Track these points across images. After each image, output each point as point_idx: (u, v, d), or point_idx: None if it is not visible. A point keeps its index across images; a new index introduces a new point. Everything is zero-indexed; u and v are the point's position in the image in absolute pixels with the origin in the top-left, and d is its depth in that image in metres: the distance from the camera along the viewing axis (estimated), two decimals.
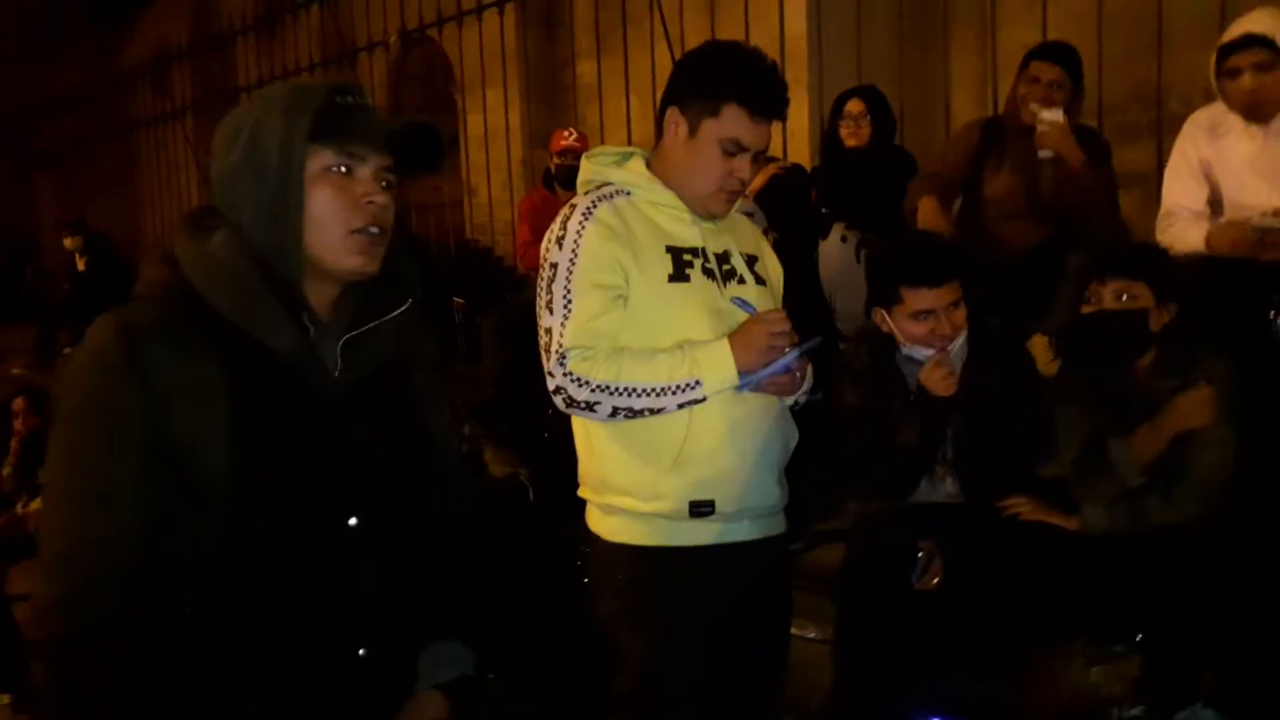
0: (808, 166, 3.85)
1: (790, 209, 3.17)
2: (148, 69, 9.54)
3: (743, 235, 1.94)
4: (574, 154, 4.14)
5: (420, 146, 1.27)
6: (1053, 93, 2.96)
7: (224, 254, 1.18)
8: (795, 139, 4.26)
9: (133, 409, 1.12)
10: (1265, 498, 2.18)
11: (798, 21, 4.62)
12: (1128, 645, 2.20)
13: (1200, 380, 2.17)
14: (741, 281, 1.85)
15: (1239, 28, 2.66)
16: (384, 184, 1.23)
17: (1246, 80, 2.61)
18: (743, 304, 1.81)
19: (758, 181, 3.31)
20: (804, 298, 1.89)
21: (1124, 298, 2.22)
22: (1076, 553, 2.17)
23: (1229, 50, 2.65)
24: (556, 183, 4.26)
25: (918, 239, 2.72)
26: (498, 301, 4.41)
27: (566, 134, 4.38)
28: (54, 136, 10.48)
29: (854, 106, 3.56)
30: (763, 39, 4.04)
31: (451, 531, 1.34)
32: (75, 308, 6.11)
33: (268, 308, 1.18)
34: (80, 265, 6.23)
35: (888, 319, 2.32)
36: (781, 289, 1.97)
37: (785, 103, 1.81)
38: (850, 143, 3.57)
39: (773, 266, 1.97)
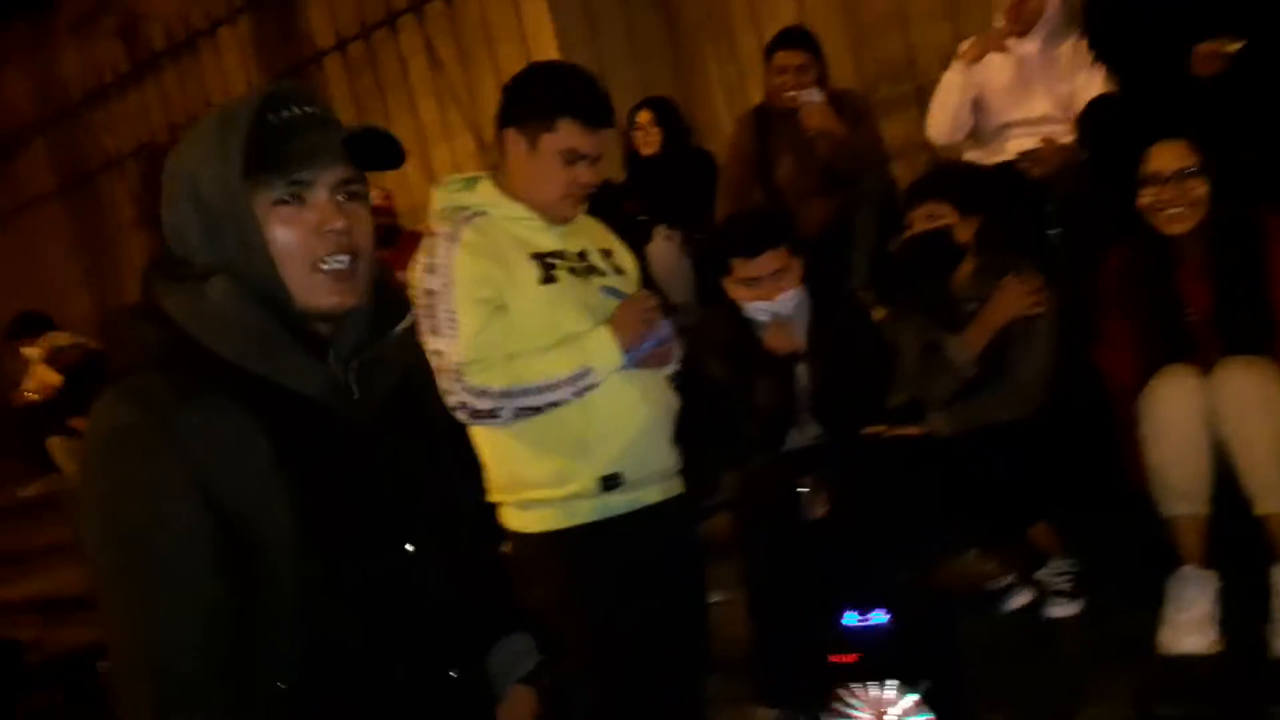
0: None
1: (609, 222, 3.46)
2: None
3: (595, 233, 2.20)
4: (386, 212, 4.27)
5: (376, 146, 1.18)
6: (801, 77, 3.36)
7: (229, 303, 1.11)
8: None
9: (184, 484, 1.04)
10: (1076, 385, 2.59)
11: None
12: (992, 533, 2.59)
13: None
14: (604, 274, 2.11)
15: None
16: (347, 196, 1.15)
17: None
18: (611, 292, 2.07)
19: None
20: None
21: (931, 218, 2.59)
22: (936, 458, 2.54)
23: None
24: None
25: (741, 216, 3.10)
26: None
27: (374, 194, 4.51)
28: None
29: (643, 117, 3.93)
30: None
31: (479, 524, 1.42)
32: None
33: (293, 353, 1.13)
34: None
35: (729, 287, 2.66)
36: (638, 275, 2.25)
37: (612, 110, 2.08)
38: (645, 151, 3.92)
39: (627, 257, 2.24)
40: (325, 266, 1.13)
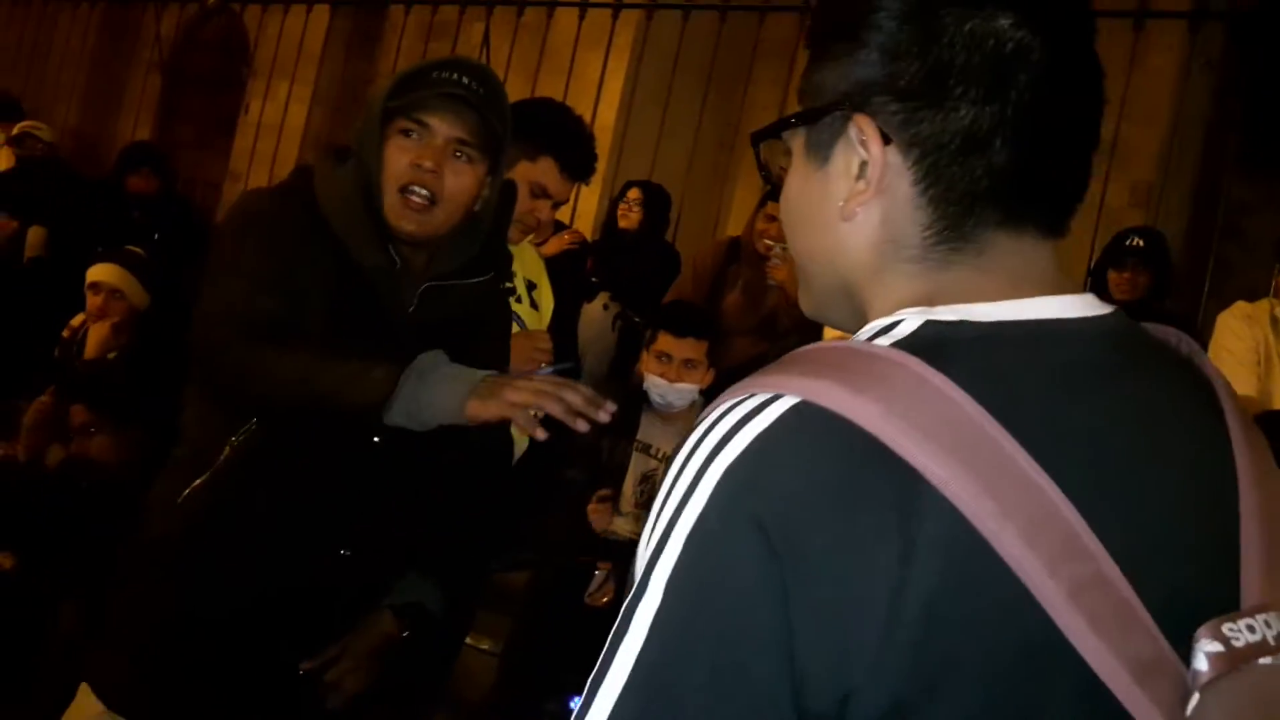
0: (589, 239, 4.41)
1: (569, 272, 3.68)
2: None
3: (529, 263, 2.38)
4: None
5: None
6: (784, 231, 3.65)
7: (346, 180, 1.48)
8: (583, 218, 4.82)
9: (282, 232, 1.44)
10: None
11: (609, 114, 5.25)
12: None
13: None
14: (519, 300, 2.29)
15: None
16: (458, 155, 1.47)
17: None
18: (515, 319, 2.25)
19: (554, 247, 3.81)
20: (561, 345, 2.34)
21: None
22: None
23: None
24: None
25: (686, 302, 3.47)
26: None
27: None
28: None
29: (633, 193, 4.19)
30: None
31: (471, 477, 1.57)
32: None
33: (364, 230, 1.45)
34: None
35: (644, 357, 2.92)
36: (550, 318, 2.43)
37: (593, 171, 2.27)
38: (622, 224, 4.17)
39: (547, 297, 2.42)
40: (406, 193, 1.44)
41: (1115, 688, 0.53)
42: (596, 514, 2.79)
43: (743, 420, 0.56)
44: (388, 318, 1.48)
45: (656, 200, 4.20)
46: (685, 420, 2.94)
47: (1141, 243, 3.36)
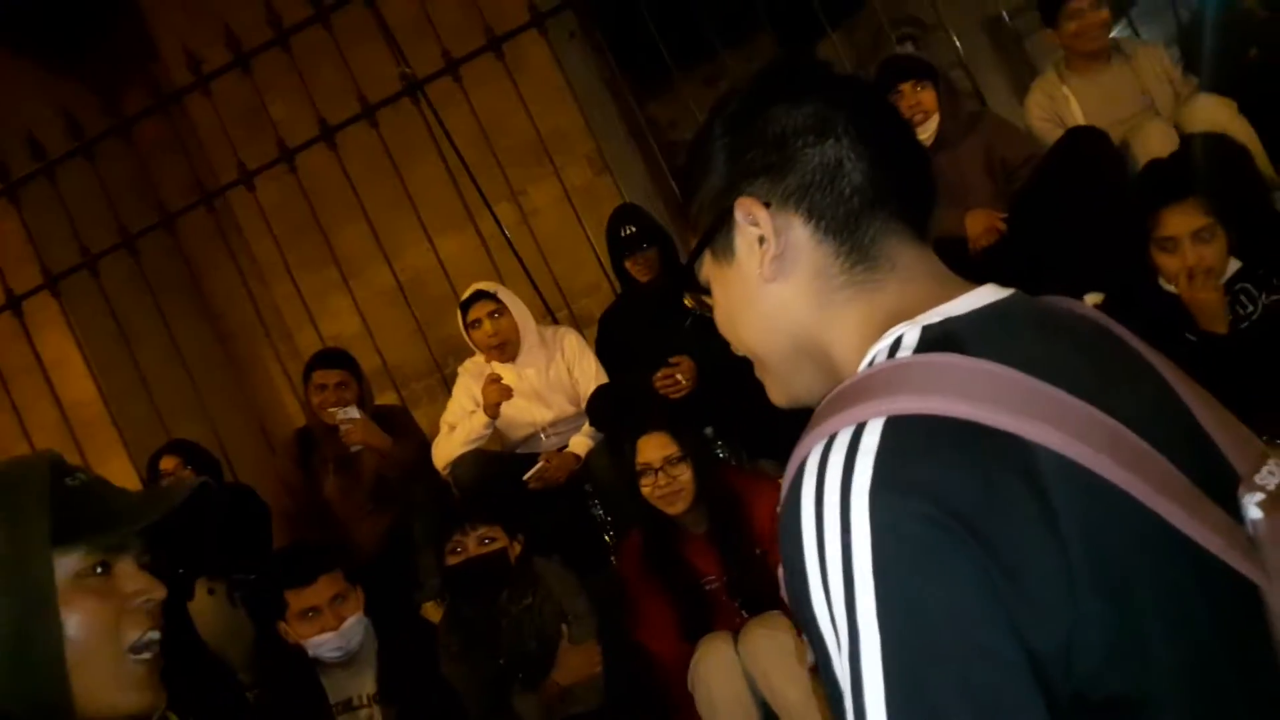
0: None
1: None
2: None
3: None
4: None
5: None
6: (342, 393, 3.46)
7: None
8: None
9: None
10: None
11: (86, 386, 4.66)
12: None
13: (575, 621, 2.71)
14: None
15: (472, 287, 3.49)
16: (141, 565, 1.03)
17: (487, 326, 3.40)
18: None
19: None
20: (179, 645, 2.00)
21: (486, 541, 2.70)
22: None
23: (468, 304, 3.45)
24: None
25: (286, 548, 3.12)
26: None
27: None
28: None
29: (167, 463, 3.63)
30: (47, 411, 4.07)
31: None
32: None
33: None
34: None
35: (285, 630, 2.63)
36: None
37: None
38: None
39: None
40: (140, 648, 0.99)
41: (1215, 550, 0.65)
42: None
43: (848, 453, 0.63)
44: None
45: (195, 452, 3.68)
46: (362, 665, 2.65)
47: (634, 229, 3.47)
